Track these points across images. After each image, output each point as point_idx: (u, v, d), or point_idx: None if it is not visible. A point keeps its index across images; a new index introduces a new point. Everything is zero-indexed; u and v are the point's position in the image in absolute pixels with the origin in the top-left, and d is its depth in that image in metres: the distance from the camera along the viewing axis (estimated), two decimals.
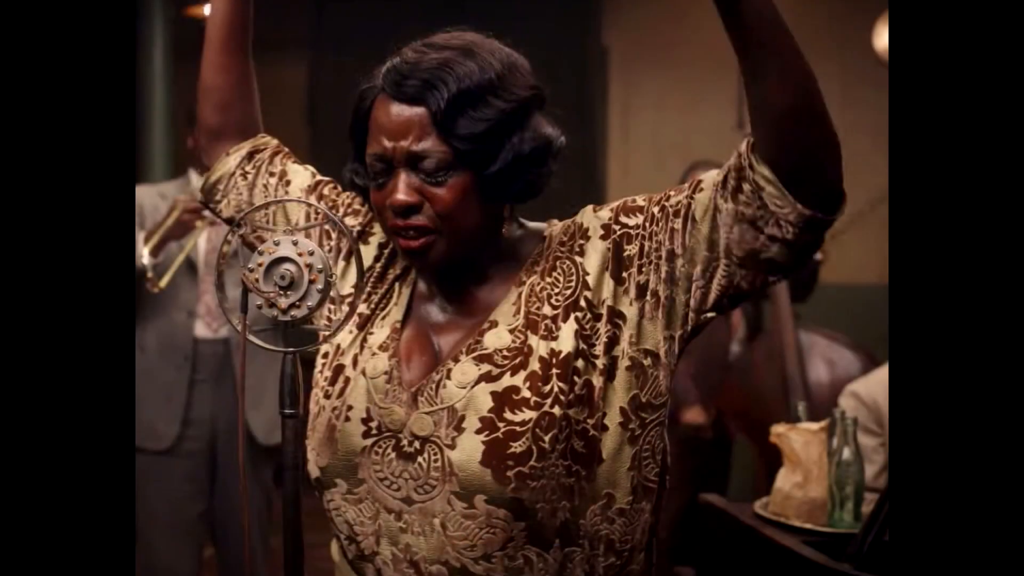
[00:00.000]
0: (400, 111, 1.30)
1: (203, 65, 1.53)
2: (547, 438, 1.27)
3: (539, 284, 1.35)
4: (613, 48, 6.20)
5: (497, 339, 1.32)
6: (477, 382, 1.30)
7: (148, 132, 4.73)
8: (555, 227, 1.40)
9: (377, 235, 1.46)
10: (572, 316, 1.31)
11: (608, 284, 1.32)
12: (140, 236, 3.08)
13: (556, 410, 1.28)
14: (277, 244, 1.20)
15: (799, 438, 2.17)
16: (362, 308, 1.42)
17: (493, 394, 1.29)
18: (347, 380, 1.37)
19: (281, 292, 1.19)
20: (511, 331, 1.32)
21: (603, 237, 1.33)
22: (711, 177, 1.29)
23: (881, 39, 4.84)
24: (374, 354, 1.37)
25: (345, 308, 1.40)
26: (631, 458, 1.32)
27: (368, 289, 1.43)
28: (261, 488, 3.30)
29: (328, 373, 1.40)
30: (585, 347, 1.30)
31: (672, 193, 1.32)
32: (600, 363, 1.30)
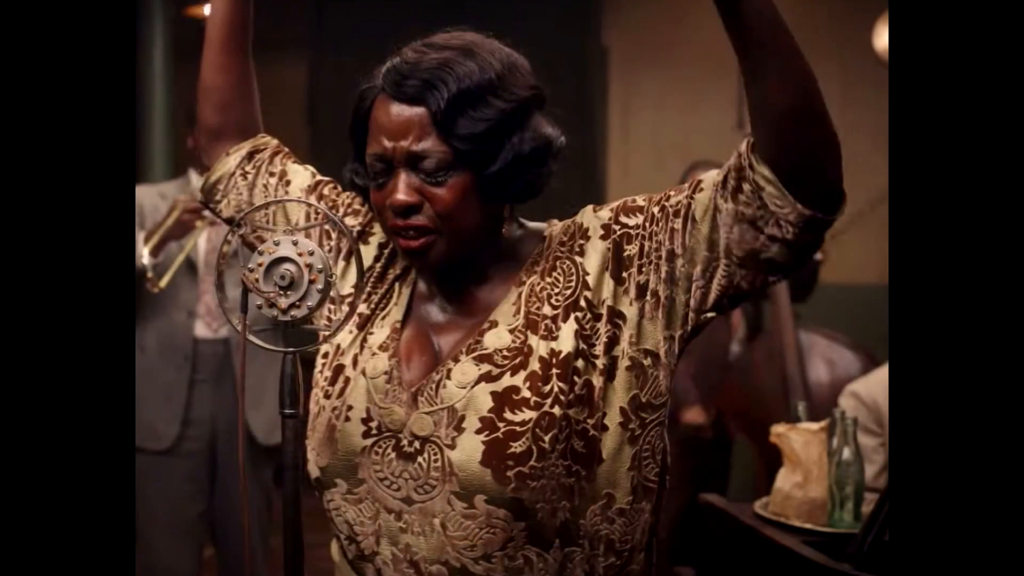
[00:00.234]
0: (400, 111, 1.30)
1: (203, 65, 1.53)
2: (547, 438, 1.27)
3: (539, 284, 1.35)
4: (613, 48, 6.20)
5: (497, 339, 1.32)
6: (477, 382, 1.30)
7: (148, 132, 4.73)
8: (555, 227, 1.40)
9: (377, 235, 1.46)
10: (572, 316, 1.31)
11: (608, 284, 1.32)
12: (140, 236, 3.08)
13: (556, 410, 1.28)
14: (277, 244, 1.20)
15: (799, 438, 2.17)
16: (362, 308, 1.42)
17: (493, 394, 1.29)
18: (347, 380, 1.37)
19: (281, 292, 1.19)
20: (511, 331, 1.32)
21: (603, 237, 1.33)
22: (711, 177, 1.29)
23: (881, 39, 4.84)
24: (374, 354, 1.37)
25: (345, 308, 1.40)
26: (631, 458, 1.32)
27: (368, 289, 1.43)
28: (261, 488, 3.30)
29: (328, 373, 1.40)
30: (585, 347, 1.30)
31: (672, 193, 1.32)
32: (600, 363, 1.30)
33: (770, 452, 2.47)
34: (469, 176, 1.30)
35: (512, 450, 1.26)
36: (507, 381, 1.29)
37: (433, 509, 1.30)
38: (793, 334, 3.66)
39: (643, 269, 1.31)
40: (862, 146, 3.82)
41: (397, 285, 1.43)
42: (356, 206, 1.49)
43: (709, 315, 1.30)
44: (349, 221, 1.47)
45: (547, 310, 1.32)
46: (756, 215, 1.22)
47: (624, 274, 1.32)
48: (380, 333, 1.39)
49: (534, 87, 1.34)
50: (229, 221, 1.52)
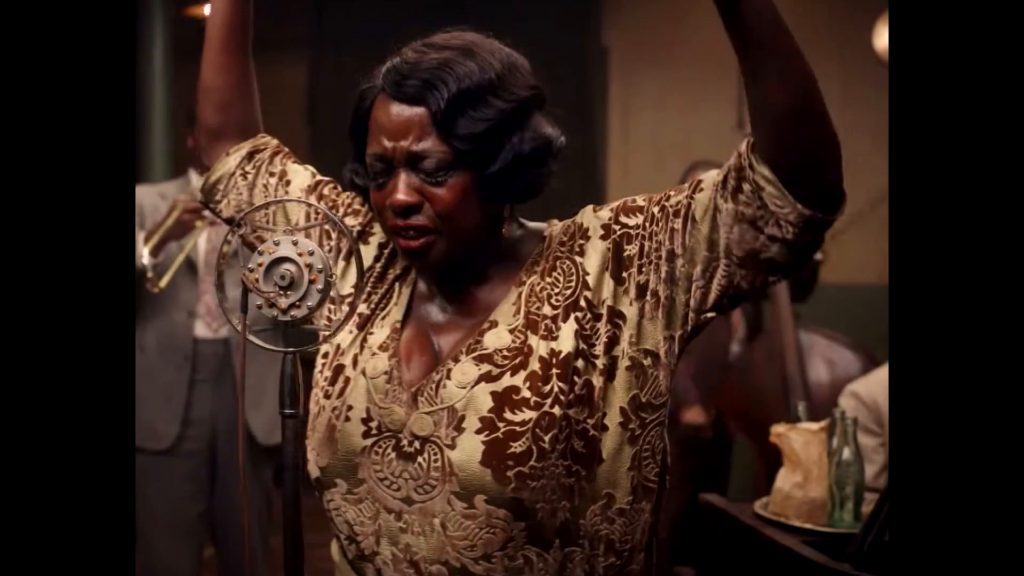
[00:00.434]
0: (400, 111, 1.30)
1: (203, 65, 1.53)
2: (547, 438, 1.27)
3: (539, 284, 1.35)
4: (613, 48, 6.20)
5: (497, 339, 1.32)
6: (477, 382, 1.30)
7: (148, 132, 4.73)
8: (555, 227, 1.40)
9: (377, 235, 1.46)
10: (572, 316, 1.31)
11: (608, 284, 1.32)
12: (140, 236, 3.08)
13: (556, 410, 1.28)
14: (277, 244, 1.20)
15: (799, 438, 2.17)
16: (362, 308, 1.42)
17: (493, 394, 1.29)
18: (347, 380, 1.37)
19: (281, 292, 1.19)
20: (511, 331, 1.32)
21: (603, 237, 1.33)
22: (711, 177, 1.29)
23: (881, 39, 4.84)
24: (374, 354, 1.37)
25: (345, 308, 1.40)
26: (631, 458, 1.32)
27: (368, 289, 1.43)
28: (261, 488, 3.30)
29: (328, 373, 1.40)
30: (585, 347, 1.30)
31: (672, 193, 1.32)
32: (600, 363, 1.30)
33: (770, 452, 2.47)
34: (469, 176, 1.30)
35: (512, 450, 1.26)
36: (507, 381, 1.29)
37: (433, 509, 1.30)
38: (793, 334, 3.66)
39: (643, 269, 1.30)
40: (862, 146, 3.82)
41: (397, 285, 1.43)
42: (356, 206, 1.49)
43: (709, 315, 1.30)
44: (349, 221, 1.47)
45: (547, 310, 1.32)
46: (756, 215, 1.22)
47: (624, 274, 1.32)
48: (380, 333, 1.39)
49: (534, 87, 1.34)
50: (229, 221, 1.52)
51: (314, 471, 1.37)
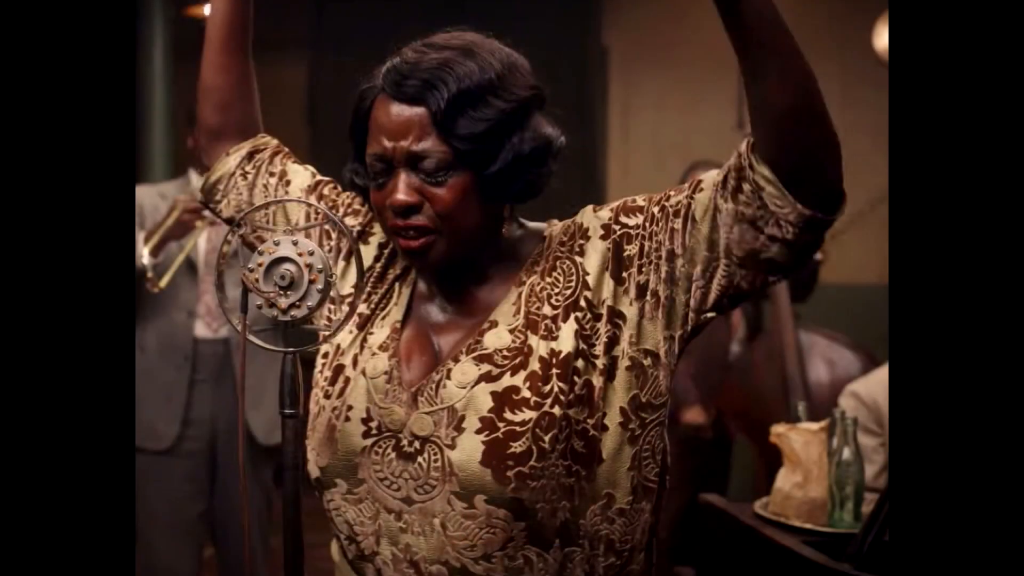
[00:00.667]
0: (400, 111, 1.30)
1: (203, 65, 1.53)
2: (547, 438, 1.27)
3: (539, 284, 1.35)
4: (613, 48, 6.20)
5: (497, 339, 1.32)
6: (477, 382, 1.30)
7: (148, 132, 4.73)
8: (555, 227, 1.40)
9: (377, 235, 1.46)
10: (572, 316, 1.31)
11: (608, 284, 1.32)
12: (140, 236, 3.08)
13: (556, 410, 1.28)
14: (277, 244, 1.20)
15: (799, 438, 2.17)
16: (362, 308, 1.42)
17: (493, 394, 1.29)
18: (347, 380, 1.37)
19: (281, 292, 1.19)
20: (511, 331, 1.32)
21: (603, 237, 1.33)
22: (711, 177, 1.29)
23: (881, 39, 4.84)
24: (374, 354, 1.37)
25: (345, 308, 1.40)
26: (631, 458, 1.32)
27: (368, 289, 1.43)
28: (261, 488, 3.30)
29: (328, 373, 1.40)
30: (585, 347, 1.30)
31: (672, 193, 1.32)
32: (600, 363, 1.30)
33: (770, 452, 2.47)
34: (469, 176, 1.30)
35: (512, 450, 1.26)
36: (507, 381, 1.29)
37: (433, 509, 1.30)
38: (793, 334, 3.66)
39: (643, 269, 1.31)
40: (862, 146, 3.82)
41: (397, 285, 1.43)
42: (356, 206, 1.49)
43: (709, 315, 1.30)
44: (349, 221, 1.47)
45: (547, 310, 1.32)
46: (756, 215, 1.22)
47: (624, 274, 1.32)
48: (380, 333, 1.39)
49: (534, 87, 1.34)
50: (229, 221, 1.52)
51: (314, 471, 1.37)
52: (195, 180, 3.20)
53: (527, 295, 1.34)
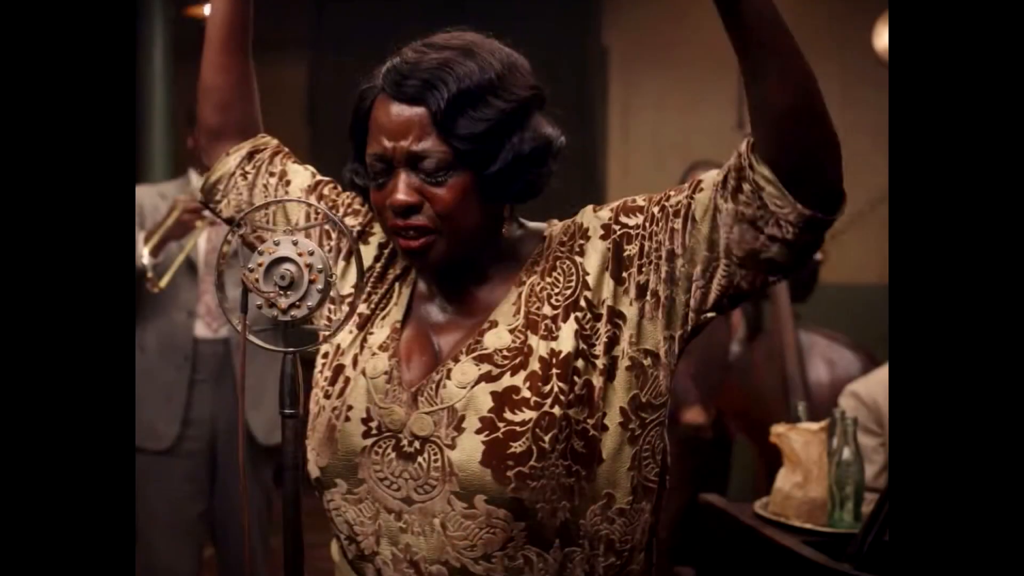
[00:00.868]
0: (400, 111, 1.30)
1: (203, 65, 1.53)
2: (547, 438, 1.27)
3: (539, 284, 1.35)
4: (613, 48, 6.20)
5: (497, 339, 1.32)
6: (477, 382, 1.30)
7: (148, 132, 4.73)
8: (555, 227, 1.40)
9: (377, 235, 1.46)
10: (572, 316, 1.31)
11: (608, 284, 1.32)
12: (140, 236, 3.08)
13: (556, 410, 1.28)
14: (277, 244, 1.20)
15: (799, 438, 2.17)
16: (362, 308, 1.42)
17: (493, 394, 1.29)
18: (347, 380, 1.37)
19: (281, 292, 1.19)
20: (511, 331, 1.32)
21: (603, 237, 1.33)
22: (711, 177, 1.29)
23: (881, 39, 4.84)
24: (374, 354, 1.37)
25: (345, 308, 1.40)
26: (631, 458, 1.32)
27: (368, 289, 1.43)
28: (261, 488, 3.30)
29: (328, 373, 1.40)
30: (585, 347, 1.30)
31: (672, 193, 1.32)
32: (600, 363, 1.30)
33: (770, 452, 2.47)
34: (469, 176, 1.30)
35: (512, 450, 1.26)
36: (507, 381, 1.29)
37: (433, 509, 1.30)
38: (793, 334, 3.66)
39: (643, 269, 1.31)
40: (862, 146, 3.82)
41: (397, 285, 1.43)
42: (356, 206, 1.49)
43: (709, 315, 1.30)
44: (349, 221, 1.47)
45: (547, 310, 1.32)
46: (756, 215, 1.22)
47: (624, 274, 1.32)
48: (380, 333, 1.39)
49: (534, 87, 1.34)
50: (229, 221, 1.52)
51: (314, 471, 1.37)
52: (195, 180, 3.20)
53: (527, 295, 1.34)
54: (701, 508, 2.37)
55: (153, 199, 3.22)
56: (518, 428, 1.27)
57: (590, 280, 1.32)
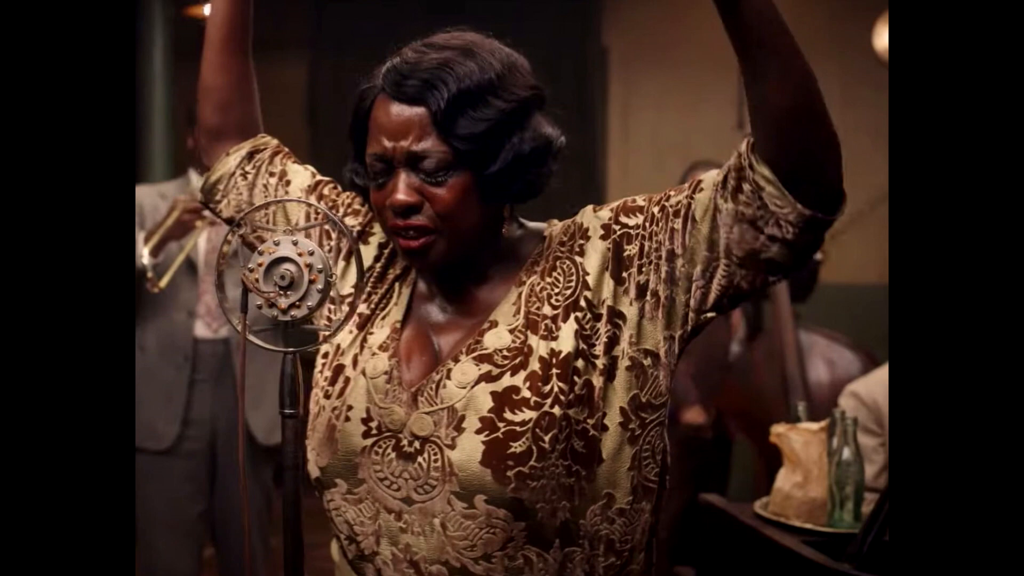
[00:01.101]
0: (400, 111, 1.30)
1: (203, 65, 1.53)
2: (547, 438, 1.27)
3: (539, 284, 1.35)
4: (613, 48, 6.20)
5: (497, 339, 1.32)
6: (477, 382, 1.30)
7: (148, 132, 4.73)
8: (555, 227, 1.40)
9: (377, 235, 1.46)
10: (572, 316, 1.31)
11: (608, 284, 1.32)
12: (140, 236, 3.09)
13: (556, 410, 1.28)
14: (277, 244, 1.20)
15: (799, 438, 2.17)
16: (362, 308, 1.42)
17: (493, 394, 1.29)
18: (347, 380, 1.37)
19: (281, 292, 1.19)
20: (511, 331, 1.32)
21: (603, 237, 1.33)
22: (711, 177, 1.29)
23: (881, 39, 4.84)
24: (374, 354, 1.37)
25: (345, 308, 1.40)
26: (631, 458, 1.32)
27: (368, 289, 1.43)
28: (261, 488, 3.30)
29: (328, 373, 1.40)
30: (585, 347, 1.30)
31: (672, 193, 1.32)
32: (600, 363, 1.30)
33: (770, 452, 2.47)
34: (469, 176, 1.30)
35: (512, 450, 1.26)
36: (507, 381, 1.29)
37: (433, 509, 1.30)
38: (793, 334, 3.66)
39: (643, 269, 1.31)
40: (862, 146, 3.82)
41: (397, 285, 1.43)
42: (356, 206, 1.49)
43: (709, 315, 1.30)
44: (349, 221, 1.47)
45: (547, 310, 1.32)
46: (756, 215, 1.22)
47: (624, 274, 1.32)
48: (380, 333, 1.39)
49: (534, 87, 1.34)
50: (229, 221, 1.52)
51: (314, 471, 1.37)
52: (195, 180, 3.20)
53: (527, 295, 1.34)
54: (701, 508, 2.37)
55: (153, 199, 3.23)
56: (518, 428, 1.27)
57: (590, 280, 1.32)
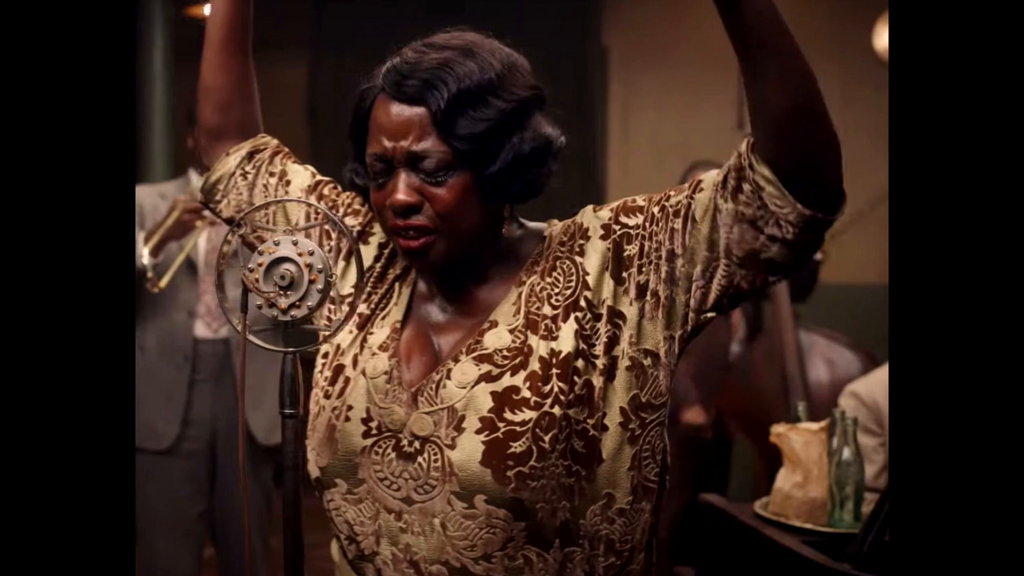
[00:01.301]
0: (400, 111, 1.30)
1: (203, 65, 1.53)
2: (547, 438, 1.27)
3: (539, 284, 1.35)
4: (613, 48, 6.20)
5: (497, 339, 1.32)
6: (477, 382, 1.30)
7: (148, 132, 4.73)
8: (555, 227, 1.40)
9: (377, 235, 1.46)
10: (572, 316, 1.31)
11: (608, 284, 1.32)
12: (140, 236, 3.09)
13: (556, 410, 1.28)
14: (277, 244, 1.20)
15: (799, 438, 2.17)
16: (362, 308, 1.42)
17: (493, 394, 1.29)
18: (347, 380, 1.37)
19: (281, 292, 1.19)
20: (511, 331, 1.32)
21: (603, 237, 1.33)
22: (711, 177, 1.29)
23: (881, 39, 4.84)
24: (374, 354, 1.37)
25: (345, 308, 1.40)
26: (631, 458, 1.32)
27: (368, 289, 1.43)
28: (261, 488, 3.30)
29: (328, 373, 1.40)
30: (585, 347, 1.30)
31: (672, 193, 1.32)
32: (600, 363, 1.30)
33: (770, 452, 2.47)
34: (469, 176, 1.30)
35: (512, 450, 1.26)
36: (507, 381, 1.29)
37: (433, 509, 1.30)
38: (793, 334, 3.66)
39: (643, 269, 1.31)
40: (862, 146, 3.82)
41: (397, 285, 1.43)
42: (356, 206, 1.49)
43: (709, 315, 1.30)
44: (349, 221, 1.47)
45: (547, 310, 1.32)
46: (756, 215, 1.22)
47: (624, 274, 1.32)
48: (380, 333, 1.39)
49: (534, 87, 1.34)
50: (229, 221, 1.52)
51: (314, 471, 1.37)
52: (195, 180, 3.20)
53: (527, 295, 1.34)
54: (701, 508, 2.37)
55: (153, 199, 3.23)
56: (518, 428, 1.27)
57: (590, 280, 1.32)
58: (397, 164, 1.30)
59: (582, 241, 1.35)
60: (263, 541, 3.31)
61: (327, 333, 1.23)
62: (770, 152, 1.20)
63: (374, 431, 1.33)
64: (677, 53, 5.87)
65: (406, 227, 1.31)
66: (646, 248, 1.31)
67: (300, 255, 1.20)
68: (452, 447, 1.28)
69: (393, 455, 1.32)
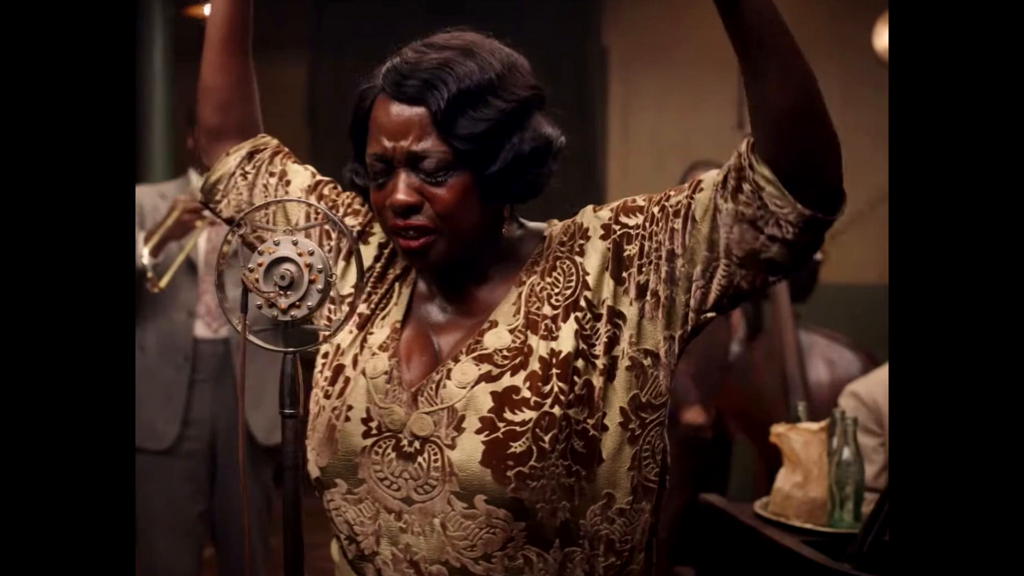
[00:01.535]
0: (400, 111, 1.30)
1: (203, 65, 1.53)
2: (547, 438, 1.27)
3: (539, 284, 1.35)
4: (613, 48, 6.20)
5: (497, 339, 1.32)
6: (477, 382, 1.30)
7: (148, 132, 4.73)
8: (555, 227, 1.40)
9: (377, 235, 1.46)
10: (572, 316, 1.31)
11: (608, 284, 1.32)
12: (140, 236, 3.09)
13: (556, 410, 1.28)
14: (277, 244, 1.21)
15: (799, 438, 2.17)
16: (362, 308, 1.42)
17: (493, 394, 1.29)
18: (347, 380, 1.38)
19: (281, 292, 1.19)
20: (511, 331, 1.32)
21: (603, 237, 1.33)
22: (711, 177, 1.29)
23: (881, 39, 4.84)
24: (374, 354, 1.37)
25: (345, 308, 1.40)
26: (631, 458, 1.32)
27: (368, 289, 1.43)
28: (261, 488, 3.30)
29: (328, 373, 1.40)
30: (585, 347, 1.30)
31: (672, 193, 1.32)
32: (600, 363, 1.30)
33: (770, 452, 2.47)
34: (469, 176, 1.30)
35: (512, 450, 1.26)
36: (507, 381, 1.29)
37: (433, 509, 1.30)
38: (793, 334, 3.66)
39: (643, 269, 1.31)
40: (862, 146, 3.82)
41: (397, 285, 1.43)
42: (356, 206, 1.49)
43: (709, 315, 1.30)
44: (349, 221, 1.47)
45: (547, 310, 1.32)
46: (756, 215, 1.22)
47: (624, 274, 1.32)
48: (380, 333, 1.39)
49: (534, 87, 1.34)
50: (229, 221, 1.52)
51: (314, 471, 1.37)
52: (195, 180, 3.20)
53: (527, 295, 1.34)
54: (701, 508, 2.37)
55: (153, 199, 3.23)
56: (518, 428, 1.27)
57: (590, 280, 1.32)
58: (397, 164, 1.30)
59: (582, 241, 1.35)
60: (263, 541, 3.31)
61: (327, 333, 1.23)
62: (770, 152, 1.20)
63: (374, 431, 1.33)
64: (677, 53, 5.87)
65: (406, 227, 1.31)
66: (646, 248, 1.31)
67: (300, 255, 1.20)
68: (452, 447, 1.28)
69: (393, 455, 1.32)
